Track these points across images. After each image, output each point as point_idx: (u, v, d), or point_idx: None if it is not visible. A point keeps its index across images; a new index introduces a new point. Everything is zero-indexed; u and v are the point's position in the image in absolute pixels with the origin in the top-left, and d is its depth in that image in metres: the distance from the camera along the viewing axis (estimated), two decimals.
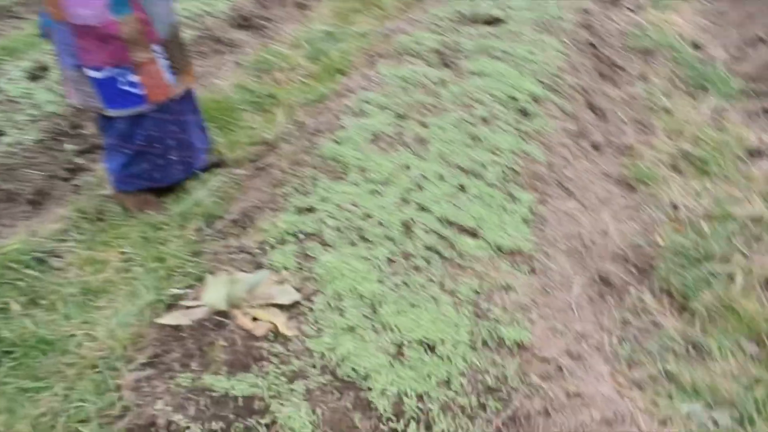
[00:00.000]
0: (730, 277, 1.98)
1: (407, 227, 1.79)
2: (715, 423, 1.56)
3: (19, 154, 2.51)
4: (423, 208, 1.87)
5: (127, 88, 1.93)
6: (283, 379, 1.33)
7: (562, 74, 2.81)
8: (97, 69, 1.89)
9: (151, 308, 1.62)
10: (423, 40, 3.05)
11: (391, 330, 1.47)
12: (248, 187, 2.14)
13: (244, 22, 3.87)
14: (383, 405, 1.31)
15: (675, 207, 2.37)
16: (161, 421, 1.23)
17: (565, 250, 1.97)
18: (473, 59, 2.81)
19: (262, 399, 1.28)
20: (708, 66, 3.47)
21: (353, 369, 1.37)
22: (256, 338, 1.41)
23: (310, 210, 1.83)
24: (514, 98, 2.52)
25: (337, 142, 2.15)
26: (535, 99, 2.56)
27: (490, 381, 1.40)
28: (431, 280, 1.64)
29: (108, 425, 1.32)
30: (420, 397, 1.34)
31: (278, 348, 1.40)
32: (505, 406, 1.36)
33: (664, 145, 2.75)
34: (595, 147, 2.63)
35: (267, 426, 1.24)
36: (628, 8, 4.28)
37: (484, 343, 1.50)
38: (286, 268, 1.61)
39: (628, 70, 3.32)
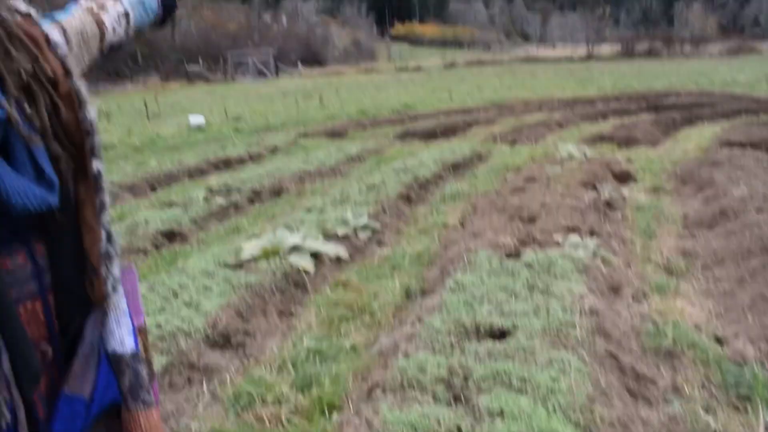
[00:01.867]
0: None
1: None
2: None
3: None
4: None
5: None
6: None
7: (593, 405, 2.40)
8: None
9: None
10: (426, 364, 2.68)
11: None
12: None
13: (222, 341, 3.52)
14: None
15: None
16: None
17: None
18: (488, 392, 2.41)
19: None
20: (742, 367, 3.12)
21: None
22: None
23: None
24: None
25: None
26: None
27: None
28: None
29: None
30: None
31: None
32: None
33: None
34: None
35: None
36: (632, 297, 4.06)
37: None
38: None
39: (657, 381, 2.94)
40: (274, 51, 48.88)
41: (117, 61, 41.97)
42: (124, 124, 15.11)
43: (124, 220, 6.06)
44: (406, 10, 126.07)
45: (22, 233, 1.22)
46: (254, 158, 9.56)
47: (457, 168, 7.87)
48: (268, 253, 4.49)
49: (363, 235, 5.12)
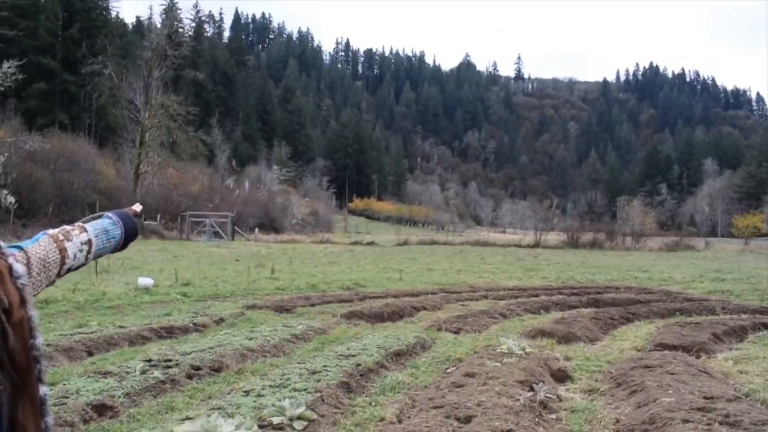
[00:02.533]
0: None
1: None
2: None
3: None
4: None
5: None
6: None
7: None
8: None
9: None
10: None
11: None
12: None
13: None
14: None
15: None
16: None
17: None
18: None
19: None
20: None
21: None
22: None
23: None
24: None
25: None
26: None
27: None
28: None
29: None
30: None
31: None
32: None
33: None
34: None
35: None
36: None
37: None
38: None
39: None
40: (233, 215, 49.81)
41: (74, 208, 42.13)
42: (72, 278, 14.92)
43: (55, 387, 5.88)
44: (365, 186, 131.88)
45: None
46: (198, 328, 9.49)
47: (399, 356, 7.96)
48: None
49: (298, 426, 5.07)
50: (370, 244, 46.49)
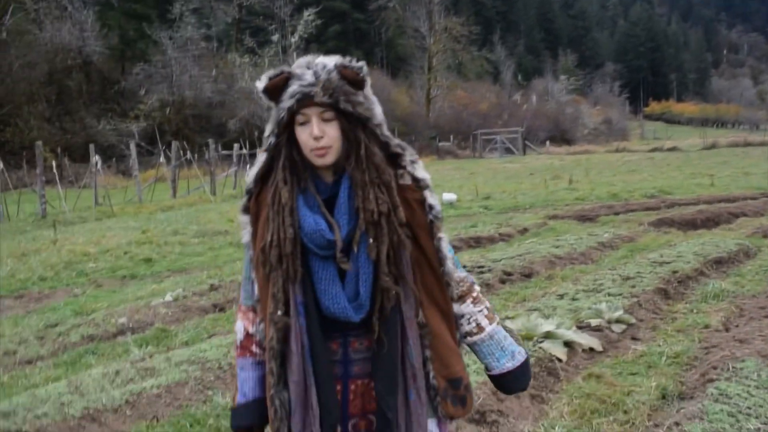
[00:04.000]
0: None
1: None
2: None
3: None
4: None
5: None
6: None
7: None
8: None
9: None
10: None
11: None
12: None
13: (478, 417, 3.78)
14: None
15: None
16: None
17: None
18: None
19: None
20: None
21: None
22: None
23: None
24: None
25: None
26: None
27: None
28: None
29: None
30: None
31: None
32: None
33: None
34: None
35: None
36: None
37: None
38: None
39: None
40: (523, 129, 49.67)
41: None
42: None
43: None
44: (662, 87, 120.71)
45: (341, 330, 1.69)
46: (504, 238, 9.88)
47: (720, 264, 7.42)
48: (522, 337, 4.69)
49: (617, 328, 5.10)
50: (672, 149, 42.95)
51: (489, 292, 6.72)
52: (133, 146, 21.93)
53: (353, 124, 1.64)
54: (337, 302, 1.64)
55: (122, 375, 4.46)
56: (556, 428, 3.64)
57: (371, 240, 1.62)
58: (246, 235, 1.74)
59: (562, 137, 57.86)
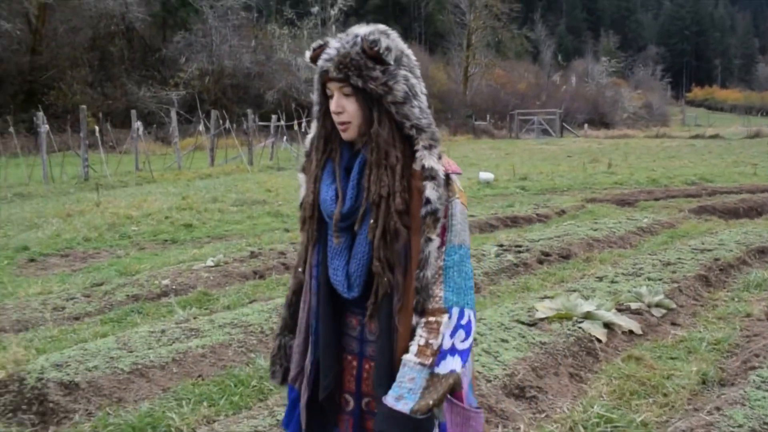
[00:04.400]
0: None
1: None
2: None
3: None
4: None
5: None
6: None
7: None
8: None
9: None
10: None
11: None
12: None
13: (517, 392, 3.82)
14: None
15: None
16: None
17: None
18: None
19: None
20: None
21: None
22: None
23: None
24: None
25: None
26: None
27: None
28: None
29: None
30: None
31: None
32: None
33: None
34: None
35: None
36: None
37: None
38: None
39: None
40: (561, 111, 49.00)
41: None
42: None
43: None
44: (706, 72, 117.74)
45: (362, 307, 1.69)
46: (541, 219, 9.84)
47: (763, 254, 7.30)
48: (561, 317, 4.71)
49: (657, 313, 5.08)
50: (714, 137, 41.97)
51: (527, 272, 6.74)
52: (173, 114, 22.19)
53: (368, 100, 1.60)
54: (336, 275, 1.68)
55: (168, 334, 4.60)
56: (595, 407, 3.66)
57: (372, 221, 1.60)
58: (301, 193, 1.81)
59: (600, 120, 56.94)
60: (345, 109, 1.60)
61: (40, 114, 18.04)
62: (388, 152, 1.58)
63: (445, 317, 1.56)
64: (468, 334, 1.61)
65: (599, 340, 4.49)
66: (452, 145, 27.46)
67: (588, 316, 4.72)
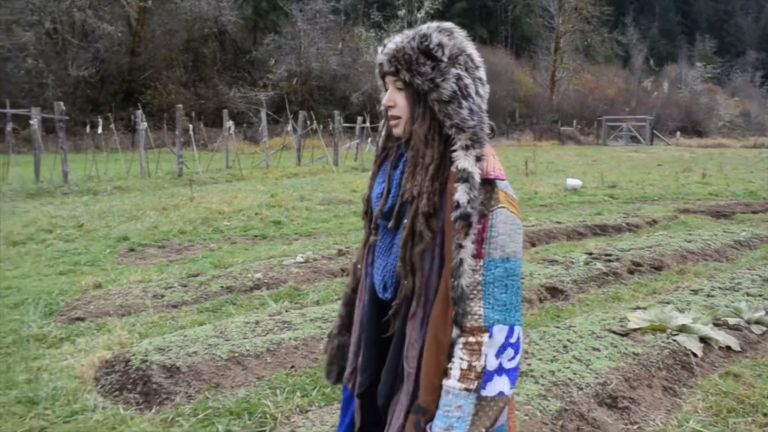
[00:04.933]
0: None
1: None
2: None
3: None
4: None
5: None
6: None
7: None
8: None
9: None
10: None
11: None
12: None
13: (609, 401, 3.76)
14: None
15: None
16: None
17: None
18: None
19: None
20: None
21: None
22: None
23: None
24: None
25: None
26: None
27: None
28: None
29: None
30: None
31: None
32: None
33: None
34: None
35: None
36: None
37: None
38: None
39: None
40: (651, 118, 47.37)
41: (496, 117, 45.25)
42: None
43: None
44: None
45: None
46: (631, 228, 9.58)
47: None
48: (654, 328, 4.59)
49: (756, 330, 4.87)
50: None
51: (617, 281, 6.59)
52: (263, 114, 22.84)
53: (416, 96, 1.54)
54: (376, 274, 1.68)
55: (262, 325, 4.77)
56: (691, 422, 3.57)
57: (405, 221, 1.57)
58: None
59: (693, 128, 54.67)
60: (396, 103, 1.57)
61: (139, 112, 18.95)
62: (423, 151, 1.53)
63: (485, 337, 1.45)
64: (516, 352, 1.50)
65: (695, 355, 4.35)
66: (537, 151, 26.97)
67: (683, 329, 4.59)
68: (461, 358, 1.45)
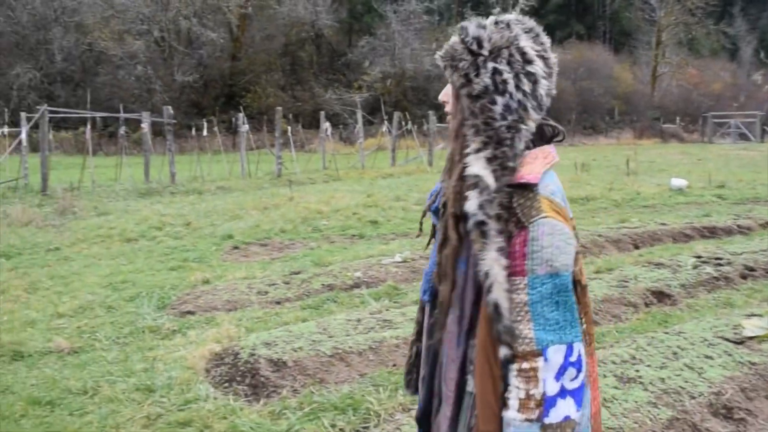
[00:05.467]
0: None
1: None
2: None
3: None
4: None
5: None
6: None
7: None
8: None
9: None
10: None
11: None
12: None
13: (724, 411, 3.59)
14: None
15: None
16: None
17: None
18: None
19: None
20: None
21: None
22: None
23: None
24: None
25: None
26: None
27: None
28: None
29: None
30: None
31: None
32: None
33: None
34: None
35: None
36: None
37: None
38: None
39: None
40: (762, 113, 44.62)
41: (594, 115, 43.95)
42: (604, 177, 15.91)
43: (612, 272, 6.50)
44: None
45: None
46: (743, 230, 9.09)
47: None
48: None
49: None
50: None
51: (728, 286, 6.28)
52: (359, 116, 23.20)
53: (455, 91, 1.46)
54: (426, 275, 1.65)
55: (363, 323, 4.86)
56: None
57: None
58: None
59: None
60: (448, 99, 1.51)
61: (241, 115, 19.68)
62: (452, 150, 1.46)
63: (539, 361, 1.32)
64: (579, 371, 1.36)
65: None
66: (638, 150, 25.98)
67: None
68: (517, 387, 1.34)
